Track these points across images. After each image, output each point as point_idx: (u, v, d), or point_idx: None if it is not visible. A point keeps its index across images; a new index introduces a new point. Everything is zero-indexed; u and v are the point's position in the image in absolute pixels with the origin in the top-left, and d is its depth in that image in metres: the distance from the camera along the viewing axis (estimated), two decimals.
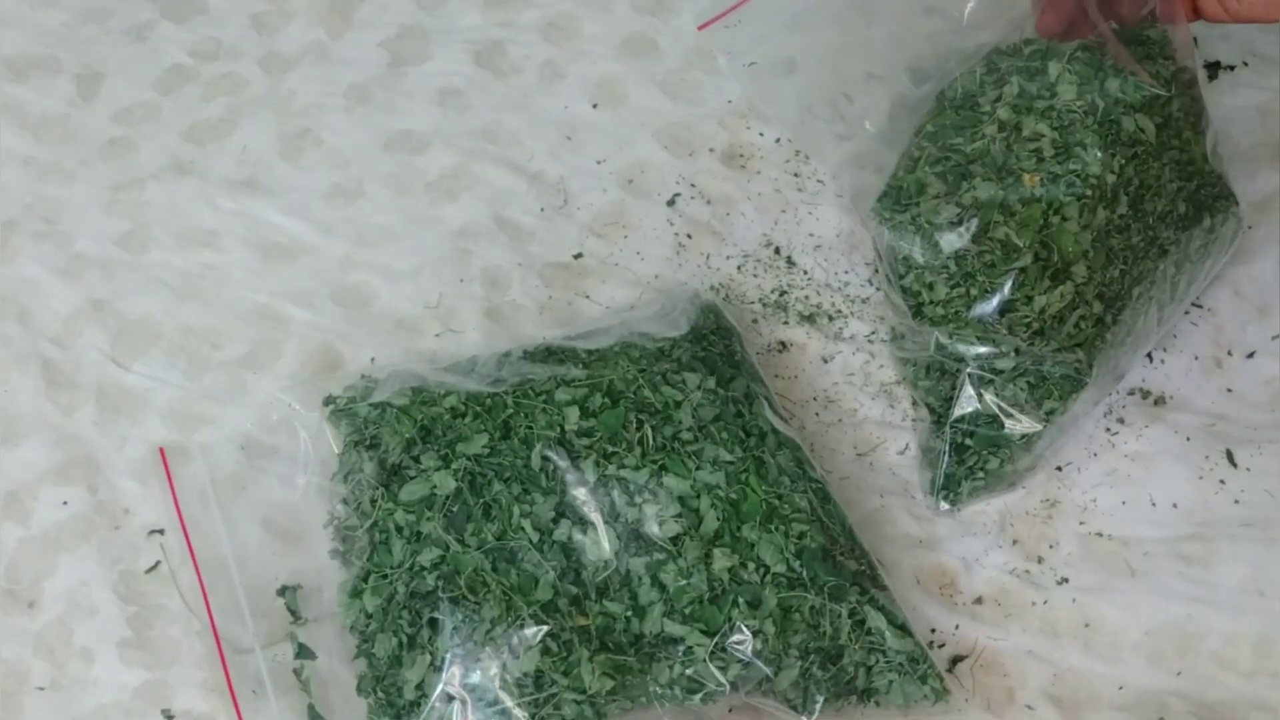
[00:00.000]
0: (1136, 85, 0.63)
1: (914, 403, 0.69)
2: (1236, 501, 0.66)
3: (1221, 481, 0.67)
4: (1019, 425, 0.65)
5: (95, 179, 0.77)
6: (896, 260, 0.64)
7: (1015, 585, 0.65)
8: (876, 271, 0.74)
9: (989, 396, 0.65)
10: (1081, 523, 0.66)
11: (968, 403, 0.65)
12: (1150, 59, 0.65)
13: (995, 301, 0.62)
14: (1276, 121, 0.77)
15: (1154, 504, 0.67)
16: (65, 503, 0.66)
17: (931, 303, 0.64)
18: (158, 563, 0.65)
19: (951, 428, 0.66)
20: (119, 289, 0.73)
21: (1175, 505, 0.67)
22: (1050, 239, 0.62)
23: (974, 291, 0.63)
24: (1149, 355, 0.71)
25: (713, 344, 0.67)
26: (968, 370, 0.65)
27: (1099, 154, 0.63)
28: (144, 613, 0.64)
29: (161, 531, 0.65)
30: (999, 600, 0.65)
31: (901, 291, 0.64)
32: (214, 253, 0.74)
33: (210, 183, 0.76)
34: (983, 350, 0.64)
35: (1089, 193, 0.62)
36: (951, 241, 0.63)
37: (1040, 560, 0.66)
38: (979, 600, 0.65)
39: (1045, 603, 0.65)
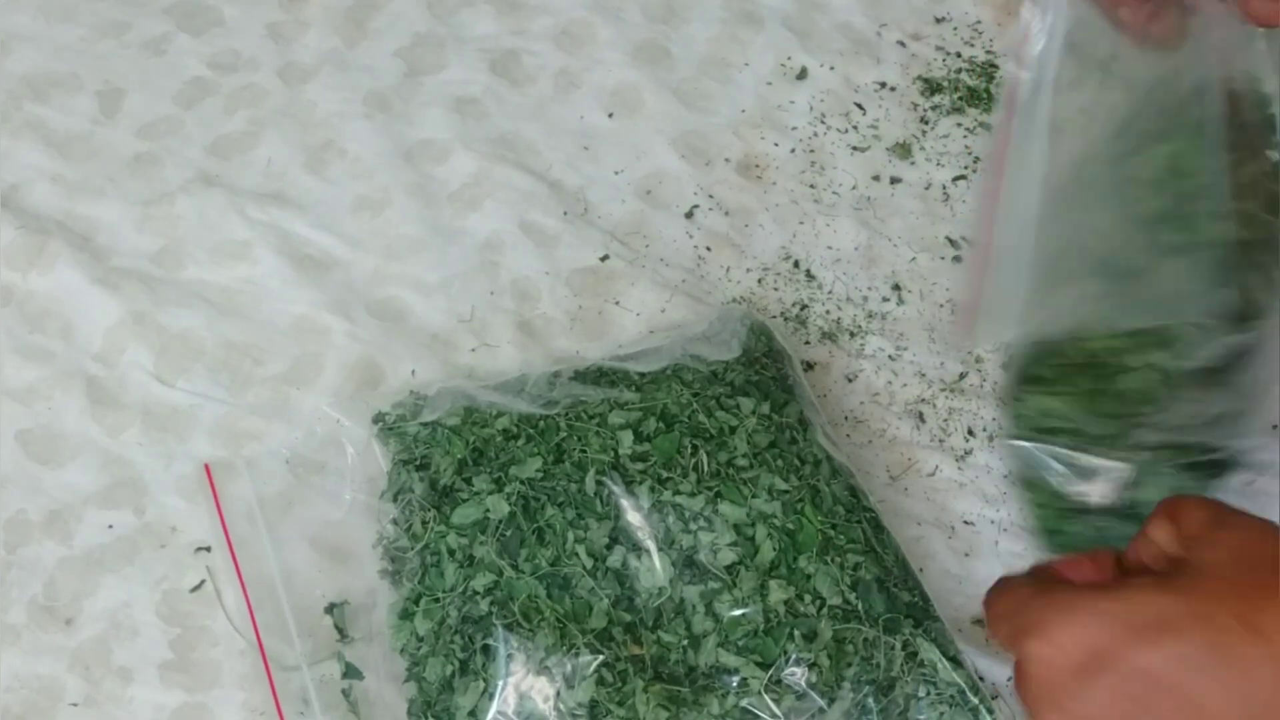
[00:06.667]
0: None
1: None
2: None
3: None
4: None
5: (125, 195, 0.75)
6: None
7: None
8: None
9: None
10: None
11: None
12: None
13: None
14: None
15: None
16: (110, 526, 0.65)
17: None
18: (202, 581, 0.64)
19: None
20: (158, 301, 0.72)
21: None
22: None
23: None
24: None
25: (765, 367, 0.66)
26: None
27: None
28: (187, 635, 0.62)
29: (208, 549, 0.64)
30: None
31: None
32: (249, 265, 0.73)
33: (238, 195, 0.75)
34: None
35: None
36: None
37: None
38: None
39: None
